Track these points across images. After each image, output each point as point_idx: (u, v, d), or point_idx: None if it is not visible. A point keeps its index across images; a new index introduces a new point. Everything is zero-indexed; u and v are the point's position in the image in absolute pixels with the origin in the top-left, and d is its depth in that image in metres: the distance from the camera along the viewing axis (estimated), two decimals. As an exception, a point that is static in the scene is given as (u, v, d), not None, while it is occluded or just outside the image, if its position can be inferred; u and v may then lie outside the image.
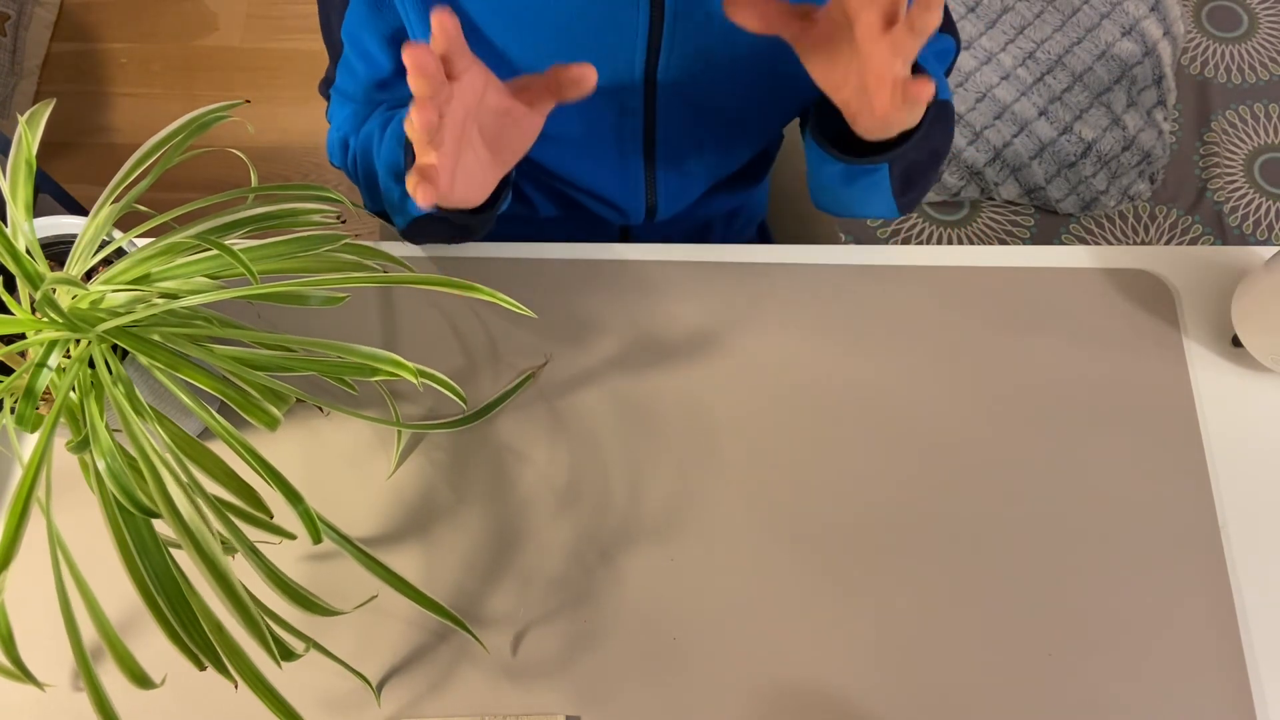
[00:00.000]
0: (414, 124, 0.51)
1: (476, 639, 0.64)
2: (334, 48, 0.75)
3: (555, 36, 0.68)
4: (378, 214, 0.79)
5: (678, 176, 0.81)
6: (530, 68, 0.69)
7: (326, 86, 0.79)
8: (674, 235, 0.91)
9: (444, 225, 0.69)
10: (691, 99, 0.73)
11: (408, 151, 0.64)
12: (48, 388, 0.52)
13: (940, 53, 0.77)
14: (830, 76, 0.58)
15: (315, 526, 0.52)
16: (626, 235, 0.90)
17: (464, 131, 0.56)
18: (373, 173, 0.73)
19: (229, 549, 0.51)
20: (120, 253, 0.59)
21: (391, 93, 0.77)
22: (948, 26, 0.76)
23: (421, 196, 0.52)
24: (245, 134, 1.67)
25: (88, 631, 0.54)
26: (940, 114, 0.67)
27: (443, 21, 0.49)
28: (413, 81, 0.49)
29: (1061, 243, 1.62)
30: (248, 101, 0.65)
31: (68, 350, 0.53)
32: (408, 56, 0.48)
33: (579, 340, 0.74)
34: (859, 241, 1.63)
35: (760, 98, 0.76)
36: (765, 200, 1.02)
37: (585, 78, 0.55)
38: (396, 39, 0.71)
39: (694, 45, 0.68)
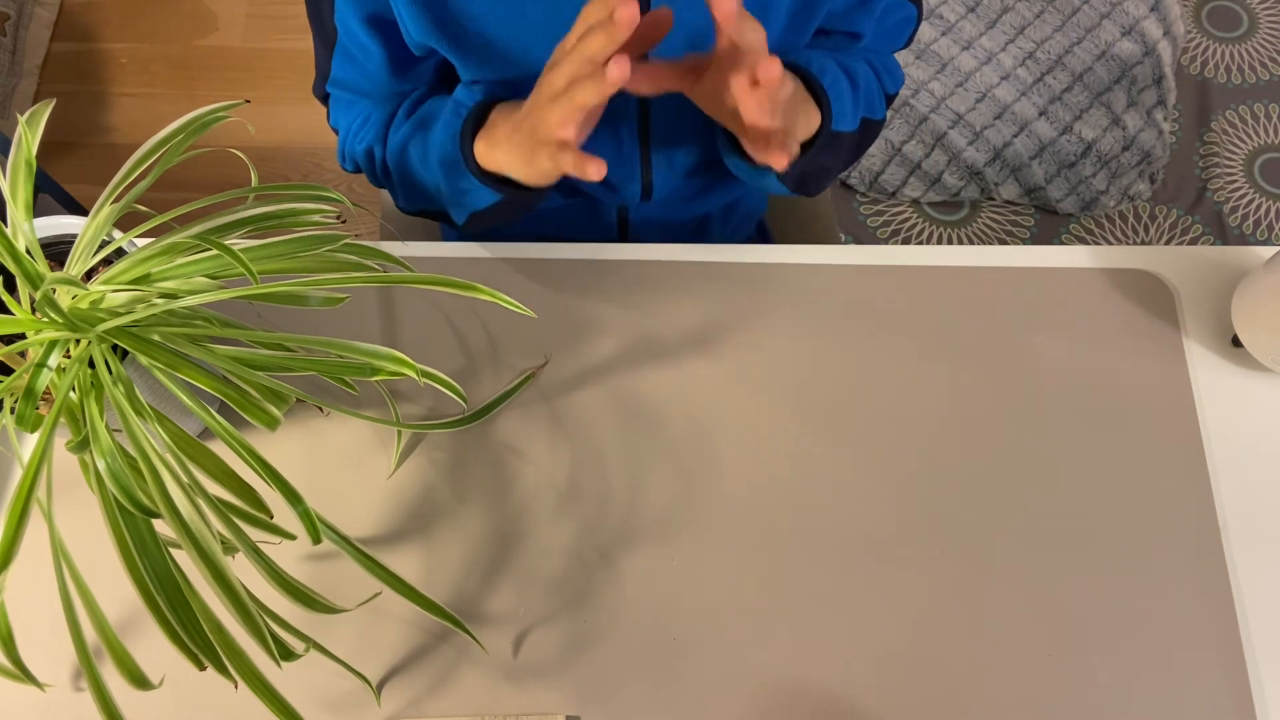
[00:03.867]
0: (595, 89, 0.56)
1: (476, 640, 0.64)
2: (325, 38, 0.74)
3: (543, 17, 0.68)
4: (414, 214, 0.81)
5: (671, 152, 0.81)
6: (518, 50, 0.70)
7: (322, 86, 0.79)
8: (672, 227, 0.91)
9: (509, 209, 0.71)
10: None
11: (465, 138, 0.67)
12: (48, 388, 0.52)
13: (902, 21, 0.79)
14: (720, 117, 0.65)
15: (315, 527, 0.52)
16: (624, 225, 0.90)
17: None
18: (415, 174, 0.75)
19: (229, 549, 0.51)
20: (120, 253, 0.59)
21: (402, 80, 0.77)
22: None
23: (595, 171, 0.57)
24: (245, 134, 1.67)
25: (87, 632, 0.53)
26: (831, 142, 0.71)
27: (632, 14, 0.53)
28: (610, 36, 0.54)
29: (1061, 243, 1.62)
30: (248, 101, 0.64)
31: (68, 350, 0.53)
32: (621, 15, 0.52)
33: (579, 340, 0.74)
34: (859, 241, 1.63)
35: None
36: (764, 195, 1.02)
37: (664, 19, 0.58)
38: (378, 20, 0.71)
39: (682, 16, 0.68)
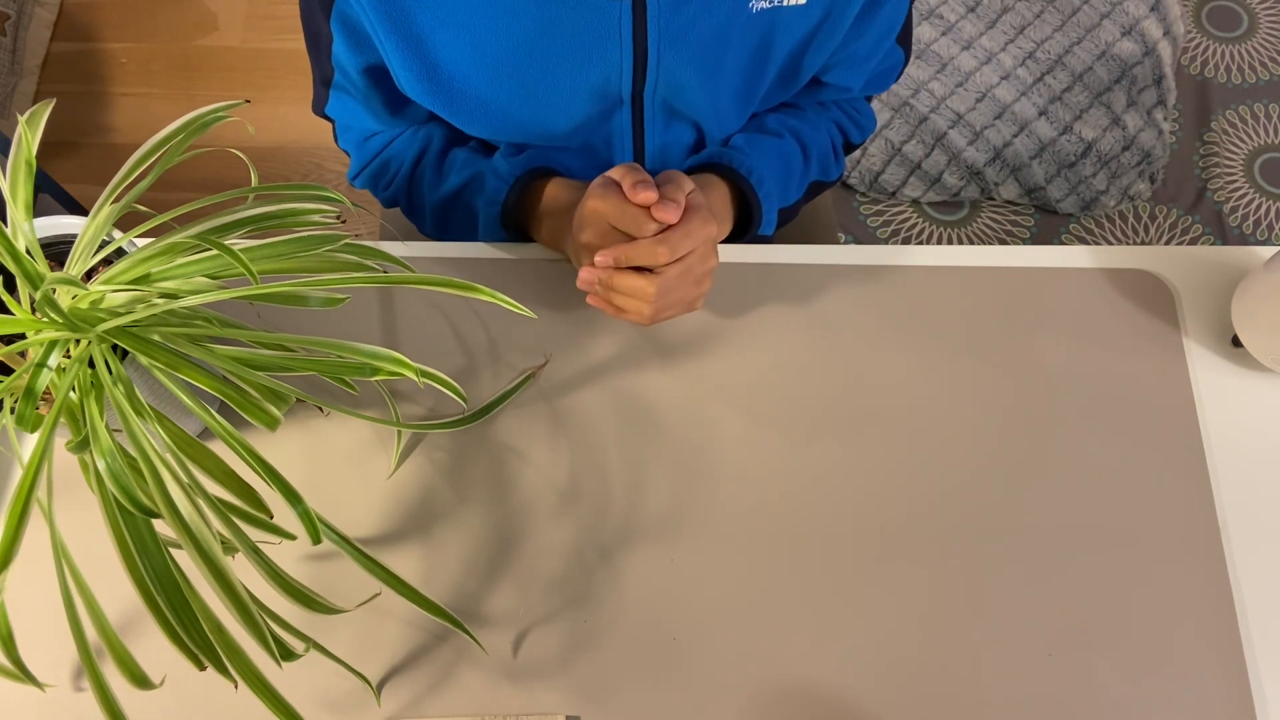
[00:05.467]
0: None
1: (475, 640, 0.64)
2: (323, 72, 0.75)
3: (542, 85, 0.69)
4: (432, 236, 0.86)
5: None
6: (519, 113, 0.72)
7: (320, 108, 0.79)
8: None
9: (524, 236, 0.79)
10: (681, 112, 0.74)
11: (506, 216, 0.76)
12: (48, 388, 0.52)
13: (891, 66, 0.81)
14: None
15: (314, 527, 0.52)
16: None
17: None
18: (455, 225, 0.82)
19: (229, 549, 0.51)
20: (120, 253, 0.59)
21: (400, 117, 0.78)
22: (904, 38, 0.79)
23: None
24: (245, 134, 1.67)
25: (87, 632, 0.53)
26: (765, 227, 0.78)
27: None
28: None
29: (1061, 243, 1.62)
30: (248, 101, 0.64)
31: (68, 350, 0.53)
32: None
33: (579, 340, 0.74)
34: (859, 241, 1.63)
35: (749, 107, 0.77)
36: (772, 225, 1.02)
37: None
38: (374, 70, 0.72)
39: (680, 64, 0.69)
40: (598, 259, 0.63)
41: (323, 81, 0.75)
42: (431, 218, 0.82)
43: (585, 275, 0.65)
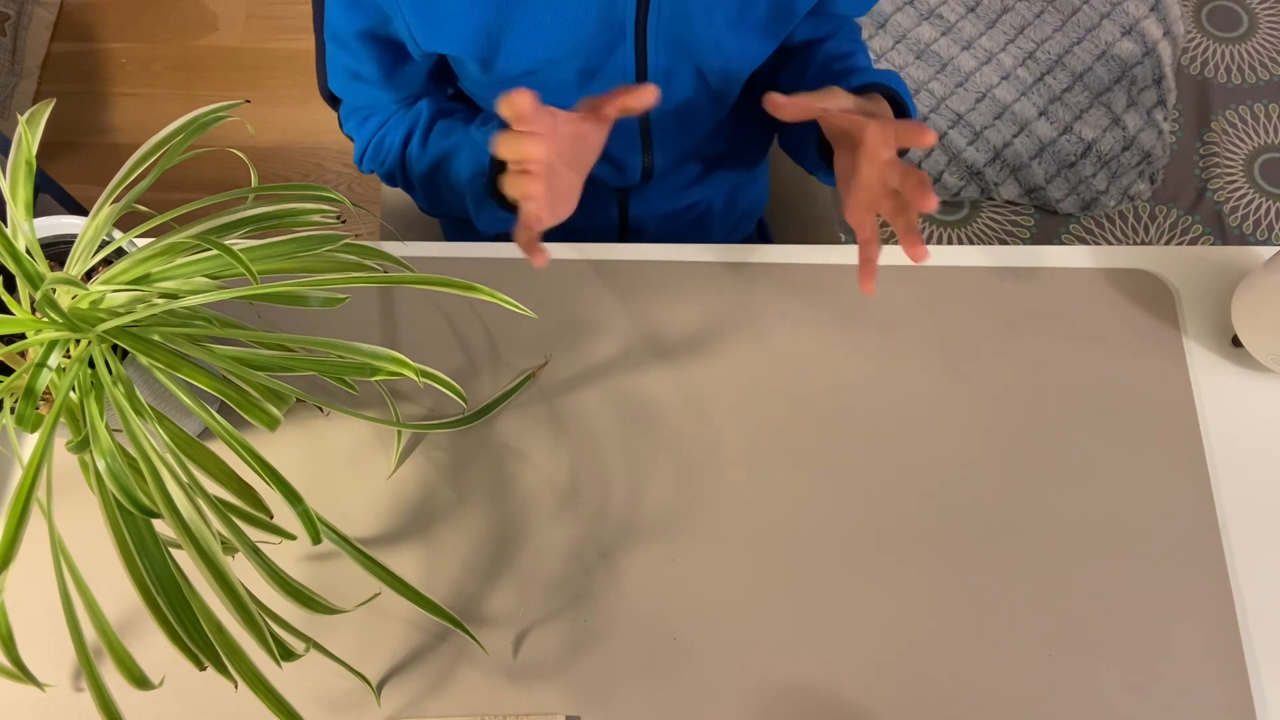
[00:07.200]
0: (516, 186, 0.59)
1: (475, 640, 0.64)
2: (323, 47, 0.75)
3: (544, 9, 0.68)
4: (433, 214, 0.86)
5: (671, 131, 0.81)
6: (506, 23, 0.70)
7: (324, 86, 0.79)
8: (672, 217, 0.91)
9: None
10: (682, 44, 0.73)
11: (492, 183, 0.72)
12: (48, 388, 0.52)
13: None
14: (839, 162, 0.68)
15: (314, 527, 0.52)
16: (624, 206, 0.90)
17: (551, 170, 0.62)
18: (443, 197, 0.81)
19: (229, 549, 0.51)
20: (120, 253, 0.59)
21: (397, 86, 0.78)
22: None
23: (538, 262, 0.62)
24: (245, 134, 1.67)
25: (87, 632, 0.54)
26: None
27: (513, 102, 0.56)
28: (505, 151, 0.58)
29: (1061, 243, 1.62)
30: (248, 101, 0.65)
31: (68, 350, 0.53)
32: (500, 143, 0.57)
33: (579, 340, 0.74)
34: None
35: (747, 41, 0.76)
36: (765, 192, 1.02)
37: (647, 93, 0.61)
38: (373, 35, 0.72)
39: None
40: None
41: (324, 60, 0.76)
42: (422, 190, 0.82)
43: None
